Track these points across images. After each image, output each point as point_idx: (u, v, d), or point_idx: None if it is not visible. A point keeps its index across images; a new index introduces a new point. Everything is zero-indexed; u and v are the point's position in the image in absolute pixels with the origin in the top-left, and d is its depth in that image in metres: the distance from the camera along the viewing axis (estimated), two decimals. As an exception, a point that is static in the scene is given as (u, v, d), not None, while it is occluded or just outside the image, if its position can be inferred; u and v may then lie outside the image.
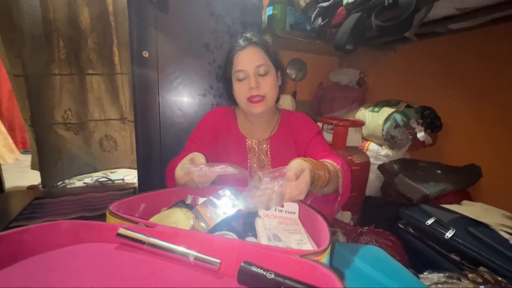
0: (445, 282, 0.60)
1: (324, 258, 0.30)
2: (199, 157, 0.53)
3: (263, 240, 0.38)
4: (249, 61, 0.70)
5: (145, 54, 1.05)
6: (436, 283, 0.60)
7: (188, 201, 0.47)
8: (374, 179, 1.36)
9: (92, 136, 1.76)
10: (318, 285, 0.24)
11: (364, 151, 1.38)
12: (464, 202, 1.08)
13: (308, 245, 0.36)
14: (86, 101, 1.69)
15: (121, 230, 0.31)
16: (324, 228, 0.36)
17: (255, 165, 0.76)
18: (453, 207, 1.01)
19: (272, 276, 0.25)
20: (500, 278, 0.66)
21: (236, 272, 0.28)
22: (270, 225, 0.42)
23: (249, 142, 0.77)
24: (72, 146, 1.69)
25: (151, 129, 1.14)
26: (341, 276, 0.23)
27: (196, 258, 0.28)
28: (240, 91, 0.72)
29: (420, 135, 1.23)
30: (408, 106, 1.32)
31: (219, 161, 0.76)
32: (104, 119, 1.75)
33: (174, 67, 1.11)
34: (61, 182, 1.73)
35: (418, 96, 1.42)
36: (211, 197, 0.48)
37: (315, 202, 0.74)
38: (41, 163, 1.57)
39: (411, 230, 1.01)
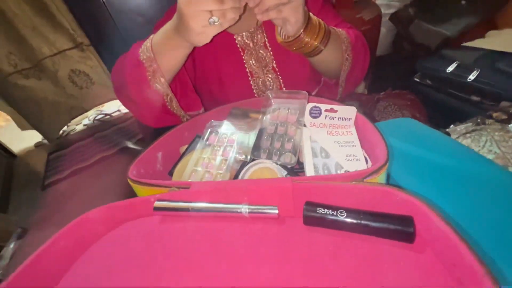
0: (473, 130, 0.61)
1: (382, 175, 0.27)
2: None
3: (307, 157, 0.34)
4: None
5: None
6: (465, 134, 0.60)
7: (206, 136, 0.42)
8: (385, 34, 1.19)
9: (57, 76, 1.53)
10: (398, 213, 0.21)
11: (373, 0, 1.14)
12: (490, 33, 0.96)
13: (362, 163, 0.32)
14: (22, 36, 1.34)
15: (157, 203, 0.28)
16: (376, 136, 0.31)
17: (254, 67, 0.60)
18: (477, 43, 0.91)
19: (344, 215, 0.22)
20: (525, 109, 0.66)
21: (296, 212, 0.26)
22: (317, 136, 0.37)
23: (239, 38, 0.58)
24: (45, 93, 1.51)
25: (117, 51, 0.93)
26: (427, 201, 0.20)
27: (251, 210, 0.26)
28: None
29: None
30: None
31: (208, 75, 0.62)
32: (57, 52, 1.45)
33: None
34: (61, 132, 1.68)
35: None
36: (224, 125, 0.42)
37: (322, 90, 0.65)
38: (28, 120, 1.47)
39: (428, 81, 0.97)
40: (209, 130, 0.42)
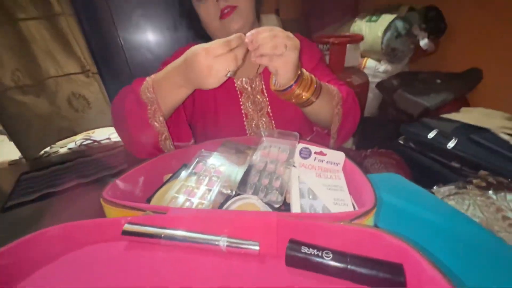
0: (456, 193, 0.62)
1: (370, 219, 0.26)
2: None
3: (294, 197, 0.33)
4: None
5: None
6: (448, 196, 0.62)
7: (193, 164, 0.41)
8: (372, 99, 1.31)
9: (56, 96, 1.54)
10: (387, 258, 0.20)
11: (362, 69, 1.28)
12: (463, 109, 1.07)
13: (349, 208, 0.32)
14: (34, 56, 1.40)
15: (127, 227, 0.25)
16: (364, 181, 0.31)
17: (250, 110, 0.64)
18: (453, 116, 1.00)
19: (330, 257, 0.20)
20: (501, 179, 0.69)
21: (278, 250, 0.24)
22: (306, 177, 0.36)
23: (238, 82, 0.63)
24: (39, 111, 1.49)
25: (121, 81, 0.97)
26: (414, 245, 0.19)
27: (229, 244, 0.23)
28: (206, 12, 0.56)
29: (423, 42, 1.11)
30: (410, 9, 1.15)
31: (206, 113, 0.64)
32: (63, 74, 1.49)
33: (128, -6, 0.87)
34: (42, 152, 1.61)
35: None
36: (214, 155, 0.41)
37: (315, 139, 0.68)
38: (11, 136, 1.41)
39: (412, 145, 1.03)
40: (197, 159, 0.41)
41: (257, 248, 0.23)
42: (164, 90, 0.47)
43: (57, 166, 1.47)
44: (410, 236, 0.35)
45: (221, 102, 0.63)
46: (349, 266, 0.20)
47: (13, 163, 1.57)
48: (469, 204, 0.58)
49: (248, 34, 0.41)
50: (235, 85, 0.64)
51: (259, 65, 0.63)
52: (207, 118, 0.65)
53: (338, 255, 0.20)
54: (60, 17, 1.36)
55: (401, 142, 1.07)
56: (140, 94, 0.48)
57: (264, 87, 0.64)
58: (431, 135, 0.95)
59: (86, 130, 1.73)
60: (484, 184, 0.69)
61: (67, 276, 0.22)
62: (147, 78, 0.49)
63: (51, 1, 1.31)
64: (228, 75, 0.41)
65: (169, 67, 0.48)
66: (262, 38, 0.40)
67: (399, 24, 1.13)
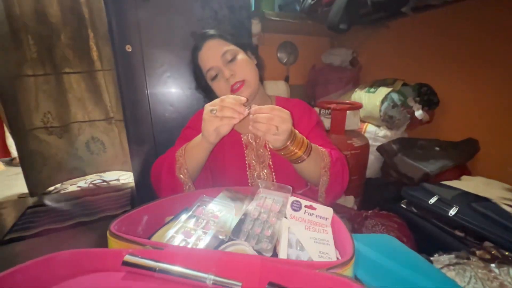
0: (456, 263, 0.60)
1: (349, 270, 0.28)
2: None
3: (283, 246, 0.36)
4: (212, 55, 0.67)
5: (128, 48, 0.97)
6: (448, 265, 0.60)
7: (193, 208, 0.44)
8: (373, 160, 1.36)
9: (77, 139, 1.67)
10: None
11: (363, 133, 1.37)
12: (464, 177, 1.09)
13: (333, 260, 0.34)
14: (67, 102, 1.59)
15: (127, 257, 0.28)
16: (347, 237, 0.34)
17: (253, 161, 0.71)
18: (454, 183, 1.02)
19: (303, 300, 0.22)
20: (507, 253, 0.67)
21: (260, 293, 0.26)
22: (295, 229, 0.39)
23: (245, 137, 0.72)
24: (58, 150, 1.60)
25: (143, 128, 1.08)
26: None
27: (214, 282, 0.26)
28: (220, 89, 0.68)
29: (418, 113, 1.21)
30: (404, 84, 1.30)
31: (215, 161, 0.72)
32: (88, 120, 1.66)
33: (161, 60, 1.04)
34: (52, 188, 1.67)
35: (414, 72, 1.40)
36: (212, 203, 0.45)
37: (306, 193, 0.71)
38: (24, 171, 1.50)
39: (414, 209, 1.02)
40: (198, 204, 0.45)
41: (239, 287, 0.25)
42: (192, 151, 0.61)
43: (63, 203, 1.50)
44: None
45: (228, 154, 0.71)
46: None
47: (22, 197, 1.62)
48: (471, 276, 0.56)
49: (252, 109, 0.51)
50: (242, 139, 0.72)
51: None
52: (216, 170, 0.73)
53: (311, 299, 0.23)
54: (98, 72, 1.59)
55: (403, 206, 1.07)
56: (176, 154, 0.63)
57: (267, 142, 0.71)
58: (431, 200, 0.95)
59: (96, 172, 1.80)
60: (488, 256, 0.67)
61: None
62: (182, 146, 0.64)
63: (94, 58, 1.56)
64: (213, 112, 0.51)
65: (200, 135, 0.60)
66: (261, 117, 0.49)
67: (395, 96, 1.25)
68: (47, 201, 1.52)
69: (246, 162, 0.71)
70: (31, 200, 1.54)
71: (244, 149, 0.71)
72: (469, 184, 1.00)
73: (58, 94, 1.55)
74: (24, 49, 1.40)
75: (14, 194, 1.64)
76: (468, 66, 1.19)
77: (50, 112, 1.56)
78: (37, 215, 1.38)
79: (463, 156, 1.17)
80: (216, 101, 0.53)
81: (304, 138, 0.56)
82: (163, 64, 1.04)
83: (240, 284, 0.26)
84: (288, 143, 0.52)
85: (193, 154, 0.61)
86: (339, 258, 0.35)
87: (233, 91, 0.65)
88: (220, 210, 0.44)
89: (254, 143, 0.72)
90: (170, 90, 1.08)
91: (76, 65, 1.55)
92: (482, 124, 1.18)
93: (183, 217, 0.42)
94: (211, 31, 0.70)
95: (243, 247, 0.37)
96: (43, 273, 0.27)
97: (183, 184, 0.61)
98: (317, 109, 1.30)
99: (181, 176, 0.60)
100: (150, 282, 0.27)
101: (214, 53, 0.66)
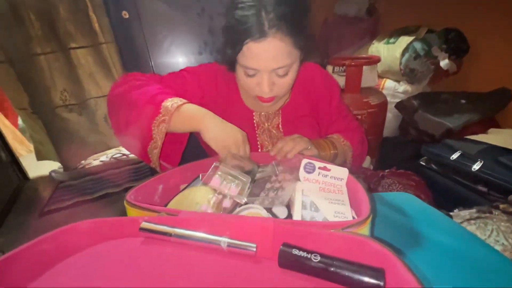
0: (477, 218, 0.59)
1: (365, 229, 0.28)
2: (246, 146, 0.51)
3: (297, 208, 0.35)
4: (265, 59, 0.49)
5: (125, 14, 0.92)
6: (469, 220, 0.59)
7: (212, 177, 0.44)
8: (391, 118, 1.29)
9: (95, 114, 1.72)
10: (371, 263, 0.21)
11: (380, 90, 1.28)
12: (491, 130, 1.02)
13: (349, 219, 0.33)
14: (78, 79, 1.59)
15: (144, 224, 0.29)
16: (364, 196, 0.32)
17: (266, 142, 0.66)
18: (480, 137, 0.96)
19: (318, 259, 0.22)
20: (533, 205, 0.65)
21: (274, 253, 0.26)
22: (310, 190, 0.38)
23: (257, 116, 0.65)
24: (80, 127, 1.66)
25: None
26: (397, 251, 0.20)
27: (229, 244, 0.26)
28: (248, 86, 0.56)
29: (444, 63, 1.10)
30: (429, 31, 1.16)
31: None
32: (102, 95, 1.67)
33: (161, 25, 0.98)
34: (78, 163, 1.77)
35: (440, 16, 1.23)
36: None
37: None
38: (56, 148, 1.58)
39: (434, 166, 0.99)
40: (216, 174, 0.44)
41: (254, 249, 0.26)
42: (184, 119, 0.50)
43: (90, 177, 1.60)
44: (415, 256, 0.35)
45: None
46: (333, 269, 0.21)
47: (54, 173, 1.74)
48: (492, 229, 0.55)
49: (274, 150, 0.53)
50: (253, 118, 0.65)
51: (284, 100, 0.67)
52: None
53: (325, 258, 0.22)
54: (103, 45, 1.56)
55: (423, 163, 1.03)
56: (163, 101, 0.50)
57: (280, 122, 0.66)
58: (454, 156, 0.91)
59: (119, 146, 1.88)
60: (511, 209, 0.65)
61: (90, 265, 0.27)
62: (177, 100, 0.51)
63: (97, 32, 1.51)
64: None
65: (203, 110, 0.51)
66: (285, 151, 0.52)
67: (418, 45, 1.13)
68: (76, 176, 1.63)
69: (258, 143, 0.66)
70: (61, 176, 1.65)
71: (256, 129, 0.66)
72: (496, 137, 0.93)
73: (69, 71, 1.55)
74: (27, 26, 1.38)
75: (45, 173, 1.75)
76: (502, 6, 1.03)
77: (66, 90, 1.58)
78: (68, 188, 1.49)
79: (493, 107, 1.08)
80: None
81: (326, 140, 0.63)
82: (163, 30, 0.99)
83: (254, 245, 0.26)
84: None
85: (181, 127, 0.50)
86: (355, 217, 0.35)
87: (259, 98, 0.57)
88: (237, 176, 0.43)
89: (266, 123, 0.66)
90: (174, 57, 1.04)
91: (79, 40, 1.51)
92: (517, 70, 1.06)
93: (201, 185, 0.42)
94: (280, 21, 0.47)
95: (258, 210, 0.37)
96: (68, 241, 0.28)
97: (151, 140, 0.50)
98: (330, 68, 1.22)
99: (155, 129, 0.49)
100: (168, 247, 0.28)
101: (268, 58, 0.49)
